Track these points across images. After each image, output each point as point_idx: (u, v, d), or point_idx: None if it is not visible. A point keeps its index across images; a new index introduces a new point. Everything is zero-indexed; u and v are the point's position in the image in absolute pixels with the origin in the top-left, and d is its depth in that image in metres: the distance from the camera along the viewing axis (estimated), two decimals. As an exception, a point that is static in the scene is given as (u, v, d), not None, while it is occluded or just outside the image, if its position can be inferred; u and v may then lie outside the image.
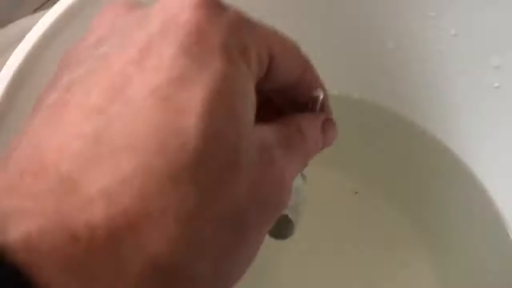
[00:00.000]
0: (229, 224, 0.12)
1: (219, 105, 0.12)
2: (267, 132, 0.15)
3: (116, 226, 0.11)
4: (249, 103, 0.14)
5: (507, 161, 0.35)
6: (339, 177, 0.38)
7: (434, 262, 0.36)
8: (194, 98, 0.12)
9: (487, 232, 0.36)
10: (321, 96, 0.18)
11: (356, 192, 0.38)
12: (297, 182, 0.23)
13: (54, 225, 0.10)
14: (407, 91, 0.38)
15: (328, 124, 0.18)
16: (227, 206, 0.12)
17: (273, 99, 0.18)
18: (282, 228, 0.24)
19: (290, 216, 0.23)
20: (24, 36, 0.23)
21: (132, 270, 0.11)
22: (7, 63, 0.23)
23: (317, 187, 0.32)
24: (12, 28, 0.35)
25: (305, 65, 0.17)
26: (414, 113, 0.39)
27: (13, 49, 0.23)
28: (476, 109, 0.35)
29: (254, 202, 0.13)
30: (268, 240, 0.23)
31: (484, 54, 0.32)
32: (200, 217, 0.12)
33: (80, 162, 0.11)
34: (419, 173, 0.38)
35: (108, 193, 0.11)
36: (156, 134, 0.12)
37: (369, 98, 0.39)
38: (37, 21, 0.24)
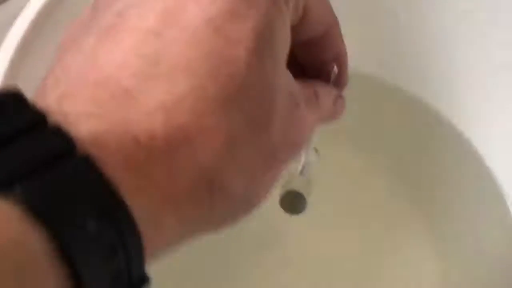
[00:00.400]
0: (262, 153, 0.14)
1: (264, 42, 0.14)
2: (294, 81, 0.16)
3: (173, 137, 0.12)
4: (286, 46, 0.15)
5: (506, 134, 0.35)
6: (343, 153, 0.39)
7: (434, 238, 0.37)
8: (244, 32, 0.13)
9: (487, 207, 0.37)
10: (336, 71, 0.20)
11: (361, 168, 0.39)
12: (310, 157, 0.24)
13: (118, 128, 0.12)
14: (406, 63, 0.38)
15: (339, 99, 0.20)
16: (263, 138, 0.14)
17: (297, 57, 0.19)
18: (295, 204, 0.25)
19: (303, 192, 0.25)
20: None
21: (184, 177, 0.12)
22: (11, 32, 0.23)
23: (322, 163, 0.34)
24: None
25: (334, 20, 0.18)
26: (413, 85, 0.39)
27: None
28: (482, 85, 0.35)
29: (282, 138, 0.15)
30: (280, 214, 0.27)
31: (492, 30, 0.32)
32: (242, 142, 0.13)
33: (139, 79, 0.12)
34: (426, 150, 0.39)
35: (166, 108, 0.12)
36: (209, 61, 0.13)
37: (372, 72, 0.39)
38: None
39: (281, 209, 0.26)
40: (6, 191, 0.10)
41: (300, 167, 0.25)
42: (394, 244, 0.37)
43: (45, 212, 0.10)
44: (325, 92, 0.18)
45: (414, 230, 0.37)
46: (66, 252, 0.10)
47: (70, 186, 0.10)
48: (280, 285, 0.35)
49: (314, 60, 0.19)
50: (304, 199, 0.25)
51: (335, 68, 0.20)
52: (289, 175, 0.26)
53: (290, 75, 0.16)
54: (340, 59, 0.19)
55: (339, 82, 0.20)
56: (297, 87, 0.16)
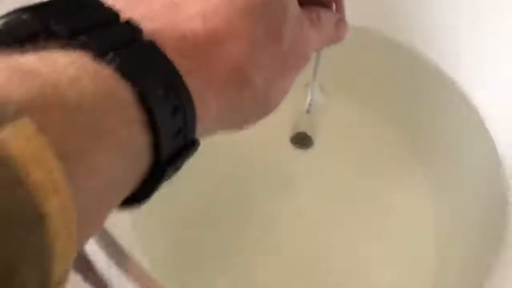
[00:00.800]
0: (275, 59, 0.18)
1: None
2: (298, 6, 0.19)
3: (210, 35, 0.16)
4: None
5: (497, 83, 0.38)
6: (342, 104, 0.42)
7: (427, 171, 0.41)
8: None
9: (477, 151, 0.39)
10: None
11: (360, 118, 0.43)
12: (316, 95, 0.29)
13: (169, 27, 0.15)
14: (407, 17, 0.41)
15: (341, 22, 0.22)
16: (276, 47, 0.18)
17: None
18: (303, 140, 0.32)
19: (310, 132, 0.31)
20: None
21: (221, 67, 0.16)
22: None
23: (324, 113, 0.39)
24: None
25: None
26: (412, 38, 0.41)
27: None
28: (475, 33, 0.38)
29: (291, 49, 0.18)
30: (290, 150, 0.32)
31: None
32: (262, 47, 0.17)
33: None
34: (422, 101, 0.42)
35: (204, 14, 0.16)
36: None
37: (372, 26, 0.42)
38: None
39: (292, 145, 0.32)
40: (102, 57, 0.13)
41: (307, 105, 0.29)
42: (391, 176, 0.42)
43: (130, 72, 0.13)
44: (327, 16, 0.21)
45: (409, 165, 0.42)
46: (146, 103, 0.13)
47: (145, 59, 0.14)
48: (288, 203, 0.40)
49: None
50: (311, 138, 0.31)
51: None
52: (298, 115, 0.30)
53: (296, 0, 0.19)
54: None
55: (339, 6, 0.23)
56: (301, 10, 0.19)
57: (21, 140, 0.10)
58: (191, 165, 0.17)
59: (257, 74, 0.17)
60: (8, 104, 0.10)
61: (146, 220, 0.37)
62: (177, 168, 0.15)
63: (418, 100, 0.42)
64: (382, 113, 0.43)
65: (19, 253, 0.10)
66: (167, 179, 0.15)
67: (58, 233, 0.10)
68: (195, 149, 0.16)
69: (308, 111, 0.29)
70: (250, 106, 0.18)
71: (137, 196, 0.14)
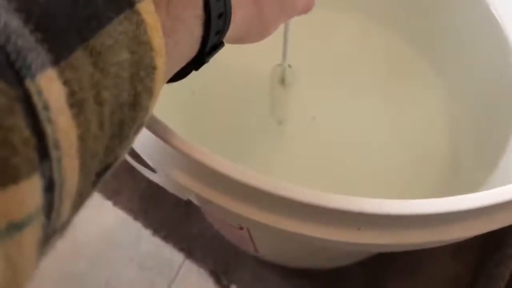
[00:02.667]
0: (271, 15, 0.23)
1: None
2: None
3: None
4: None
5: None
6: (347, 16, 0.44)
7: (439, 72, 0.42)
8: None
9: (483, 34, 0.39)
10: None
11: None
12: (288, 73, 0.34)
13: None
14: None
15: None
16: (262, 10, 0.23)
17: None
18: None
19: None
20: None
21: (235, 17, 0.21)
22: None
23: (324, 27, 0.43)
24: None
25: None
26: None
27: None
28: None
29: (275, 11, 0.24)
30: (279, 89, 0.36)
31: None
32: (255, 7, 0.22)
33: None
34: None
35: None
36: None
37: None
38: None
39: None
40: None
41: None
42: (401, 76, 0.43)
43: None
44: None
45: (418, 62, 0.43)
46: (207, 6, 0.18)
47: None
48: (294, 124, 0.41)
49: None
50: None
51: None
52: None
53: None
54: None
55: None
56: None
57: (148, 13, 0.15)
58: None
59: (266, 5, 0.23)
60: None
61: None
62: (208, 59, 0.21)
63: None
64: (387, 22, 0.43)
65: (142, 88, 0.16)
66: (201, 66, 0.21)
67: (159, 80, 0.16)
68: (222, 47, 0.22)
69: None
70: (256, 25, 0.23)
71: (177, 75, 0.20)
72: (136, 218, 0.49)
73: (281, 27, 0.29)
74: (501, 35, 0.36)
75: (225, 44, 0.22)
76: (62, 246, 0.47)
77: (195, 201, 0.26)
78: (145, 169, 0.27)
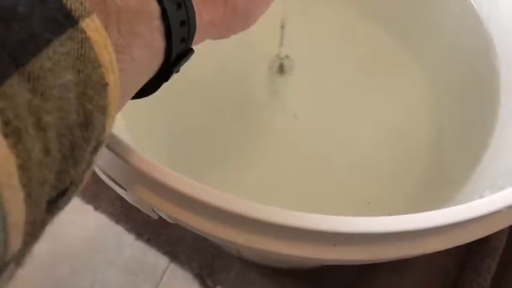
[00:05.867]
0: (248, 11, 0.23)
1: None
2: None
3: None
4: None
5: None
6: (328, 9, 0.43)
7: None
8: None
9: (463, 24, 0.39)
10: None
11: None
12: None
13: None
14: None
15: None
16: (236, 6, 0.23)
17: None
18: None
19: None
20: None
21: (203, 21, 0.21)
22: None
23: (317, 19, 0.43)
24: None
25: None
26: None
27: None
28: None
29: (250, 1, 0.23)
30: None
31: None
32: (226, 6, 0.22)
33: None
34: None
35: None
36: None
37: None
38: None
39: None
40: None
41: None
42: (383, 76, 0.43)
43: None
44: None
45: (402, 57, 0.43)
46: (165, 16, 0.18)
47: None
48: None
49: None
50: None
51: None
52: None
53: None
54: None
55: None
56: None
57: (94, 31, 0.15)
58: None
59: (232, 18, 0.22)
60: (84, 3, 0.15)
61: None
62: (177, 70, 0.20)
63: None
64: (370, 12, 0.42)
65: (92, 107, 0.15)
66: (170, 77, 0.20)
67: (113, 97, 0.16)
68: (191, 55, 0.21)
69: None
70: (232, 20, 0.22)
71: (146, 89, 0.20)
72: (117, 222, 0.48)
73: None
74: (481, 26, 0.35)
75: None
76: (43, 252, 0.46)
77: (167, 219, 0.25)
78: (118, 187, 0.26)
